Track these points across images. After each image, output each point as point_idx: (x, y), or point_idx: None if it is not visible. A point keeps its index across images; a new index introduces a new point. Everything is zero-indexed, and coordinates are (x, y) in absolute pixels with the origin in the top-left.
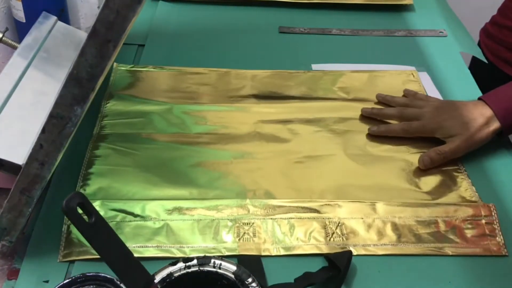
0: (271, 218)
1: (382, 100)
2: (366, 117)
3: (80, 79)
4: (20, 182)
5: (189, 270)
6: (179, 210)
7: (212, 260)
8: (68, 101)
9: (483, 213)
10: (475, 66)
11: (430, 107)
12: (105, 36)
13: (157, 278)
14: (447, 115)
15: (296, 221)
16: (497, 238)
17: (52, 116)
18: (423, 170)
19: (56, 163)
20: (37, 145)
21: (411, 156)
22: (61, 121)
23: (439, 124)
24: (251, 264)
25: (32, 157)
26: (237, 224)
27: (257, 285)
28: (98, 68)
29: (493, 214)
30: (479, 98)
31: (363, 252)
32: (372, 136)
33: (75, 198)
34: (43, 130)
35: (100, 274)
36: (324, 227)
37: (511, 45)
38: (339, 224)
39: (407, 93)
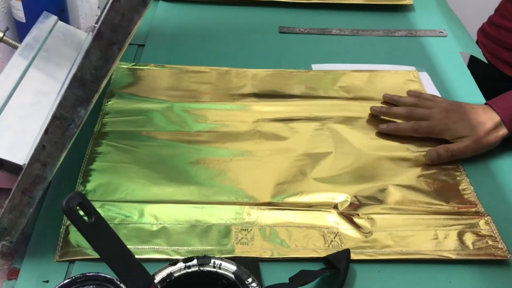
0: (269, 226)
1: (389, 100)
2: (367, 115)
3: (84, 80)
4: (21, 183)
5: (189, 270)
6: (177, 214)
7: (212, 260)
8: (71, 102)
9: (481, 226)
10: (472, 66)
11: (439, 108)
12: (110, 38)
13: (157, 278)
14: (456, 117)
15: (294, 229)
16: (499, 245)
17: (55, 117)
18: (422, 169)
19: (58, 164)
20: (39, 146)
21: (411, 155)
22: (64, 122)
23: (448, 125)
24: (247, 265)
25: (34, 158)
26: (235, 230)
27: (257, 285)
28: (103, 70)
29: (491, 225)
30: (486, 103)
31: (363, 257)
32: (373, 135)
33: (75, 198)
34: (46, 131)
35: (100, 274)
36: (323, 235)
37: (508, 45)
38: (337, 234)
39: (411, 94)
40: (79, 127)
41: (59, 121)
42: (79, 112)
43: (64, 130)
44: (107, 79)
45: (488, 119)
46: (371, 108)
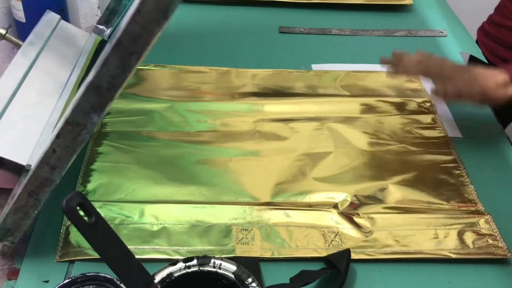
0: (270, 226)
1: (398, 58)
2: (367, 115)
3: (100, 88)
4: (29, 185)
5: (189, 270)
6: (177, 214)
7: (212, 260)
8: (85, 108)
9: (481, 225)
10: (472, 65)
11: (450, 62)
12: (129, 48)
13: (157, 278)
14: (467, 69)
15: (294, 229)
16: (500, 243)
17: (68, 123)
18: (422, 168)
19: (67, 168)
20: (49, 149)
21: (411, 154)
22: (76, 127)
23: (459, 70)
24: (248, 265)
25: (43, 161)
26: (235, 230)
27: (257, 285)
28: (119, 79)
29: (491, 224)
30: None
31: (363, 257)
32: (372, 135)
33: (75, 198)
34: (58, 136)
35: (100, 274)
36: (323, 235)
37: (508, 43)
38: (338, 233)
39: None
40: (91, 132)
41: (72, 126)
42: (92, 119)
43: (76, 135)
44: (123, 88)
45: (499, 73)
46: (381, 59)
